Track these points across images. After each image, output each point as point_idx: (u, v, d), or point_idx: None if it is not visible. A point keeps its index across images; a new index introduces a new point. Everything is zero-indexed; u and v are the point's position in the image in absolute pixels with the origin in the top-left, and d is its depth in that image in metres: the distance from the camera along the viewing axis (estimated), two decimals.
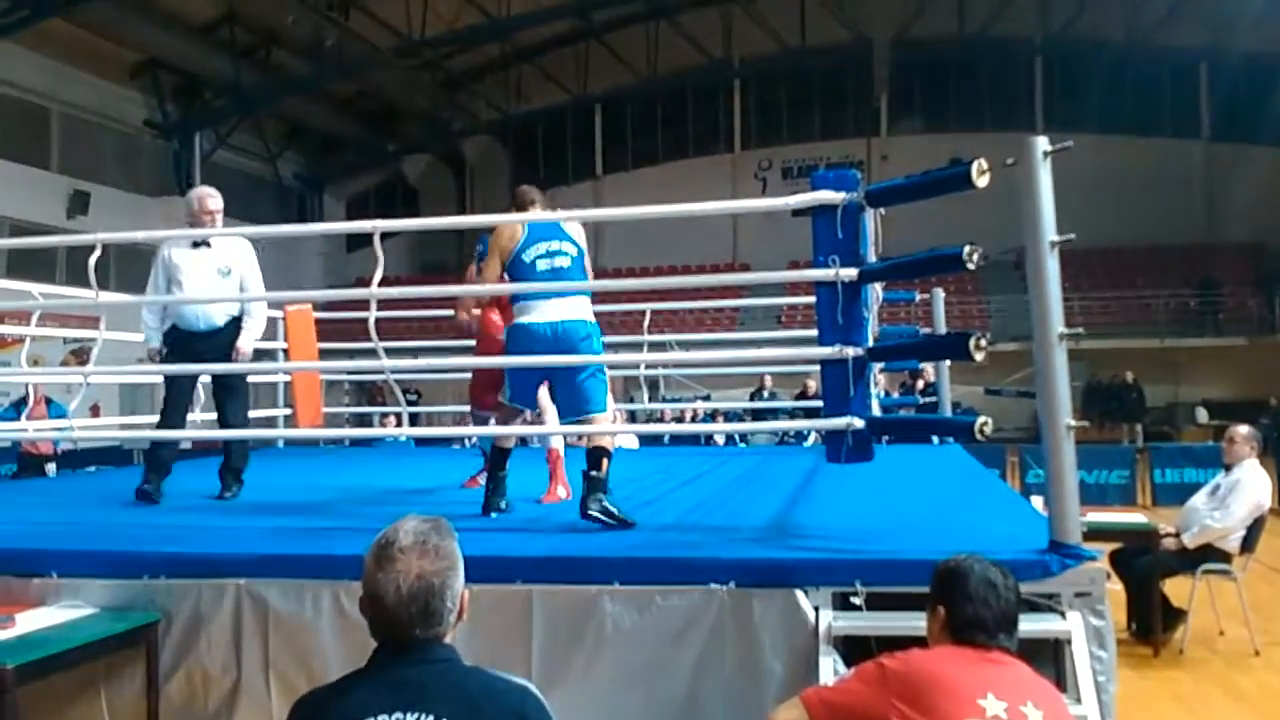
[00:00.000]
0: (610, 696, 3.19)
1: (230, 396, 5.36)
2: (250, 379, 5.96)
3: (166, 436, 5.26)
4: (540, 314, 4.28)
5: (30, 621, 3.33)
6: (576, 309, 4.29)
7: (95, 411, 15.89)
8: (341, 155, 28.86)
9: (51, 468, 10.74)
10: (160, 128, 22.80)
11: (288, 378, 7.82)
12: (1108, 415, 20.26)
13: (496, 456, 4.53)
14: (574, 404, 4.33)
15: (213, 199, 5.19)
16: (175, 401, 5.28)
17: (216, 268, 5.20)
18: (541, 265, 4.30)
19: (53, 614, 3.44)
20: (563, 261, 4.32)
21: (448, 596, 1.89)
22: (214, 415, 5.51)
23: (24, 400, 9.84)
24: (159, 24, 20.44)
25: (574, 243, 4.39)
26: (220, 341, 5.19)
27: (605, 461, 4.08)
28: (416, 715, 1.79)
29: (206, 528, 4.43)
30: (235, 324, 5.26)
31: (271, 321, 7.44)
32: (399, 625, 1.87)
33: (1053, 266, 3.10)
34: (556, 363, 4.25)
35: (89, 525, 4.58)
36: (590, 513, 3.97)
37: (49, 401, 9.99)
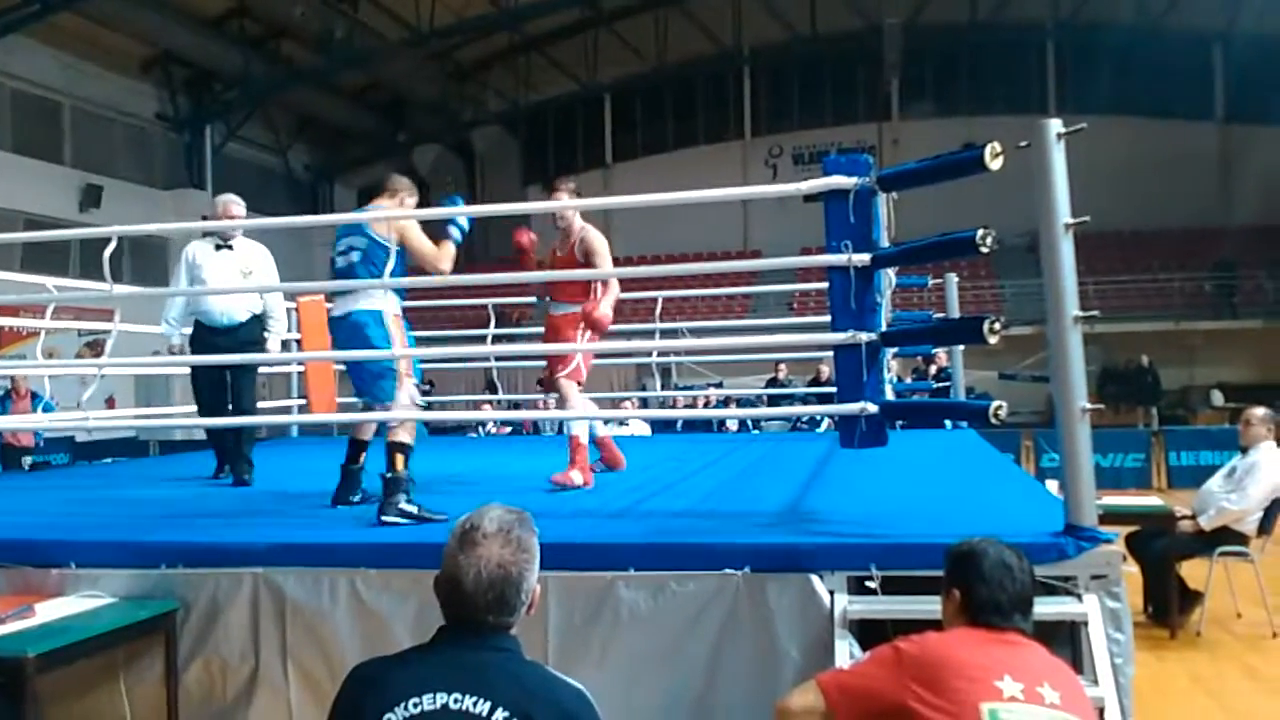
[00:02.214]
0: (626, 681, 3.20)
1: (250, 386, 5.75)
2: (263, 370, 6.12)
3: (205, 424, 5.69)
4: (335, 307, 4.47)
5: (50, 611, 3.35)
6: (358, 301, 4.33)
7: (111, 403, 15.97)
8: (352, 146, 28.90)
9: (27, 460, 10.82)
10: (172, 121, 22.86)
11: (301, 368, 7.85)
12: (1122, 399, 20.18)
13: (352, 449, 4.56)
14: (363, 395, 4.47)
15: (237, 206, 5.71)
16: (213, 391, 5.70)
17: (239, 269, 5.58)
18: (339, 262, 4.43)
19: (72, 603, 3.47)
20: (351, 257, 4.38)
21: (523, 589, 1.96)
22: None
23: (8, 394, 9.98)
24: (169, 17, 20.47)
25: (366, 237, 4.35)
26: (239, 336, 5.51)
27: (400, 458, 4.06)
28: (473, 699, 1.83)
29: (223, 517, 4.45)
30: (255, 320, 5.62)
31: (285, 312, 7.47)
32: (472, 610, 1.92)
33: (1067, 249, 3.09)
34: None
35: (107, 516, 4.60)
36: (385, 519, 3.90)
37: (34, 395, 10.13)
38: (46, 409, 10.57)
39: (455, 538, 1.97)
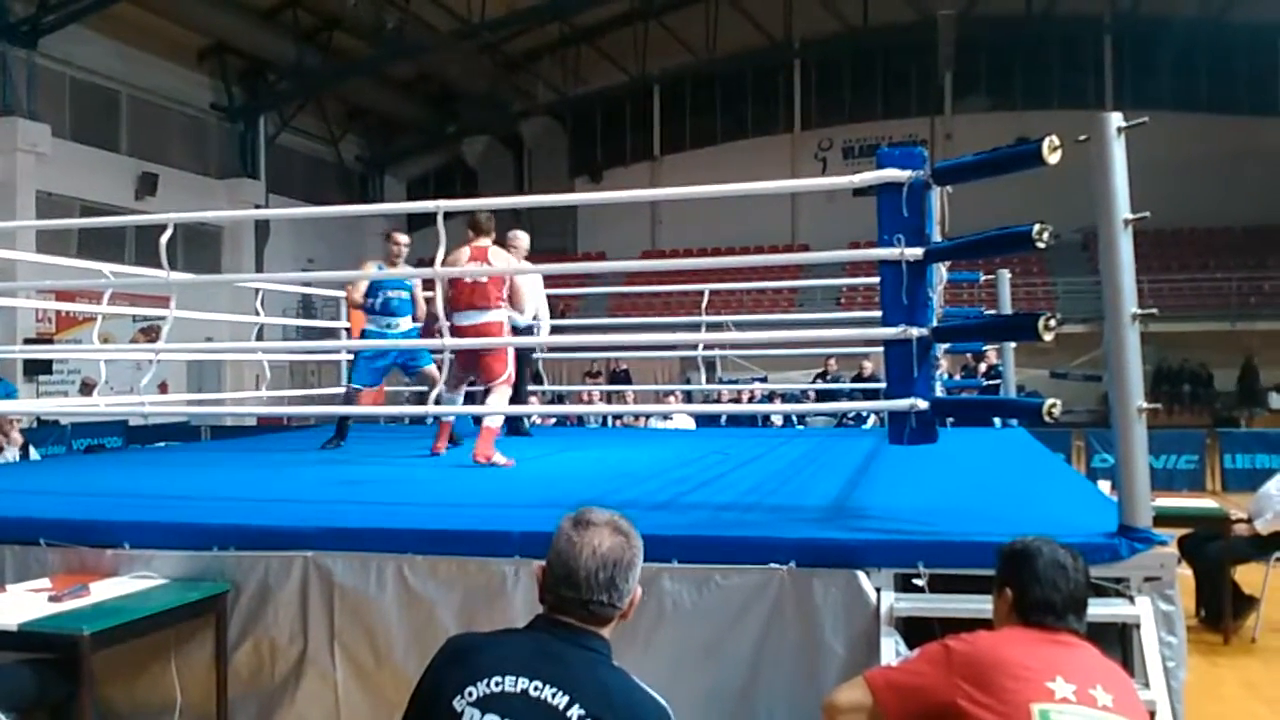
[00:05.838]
0: (669, 674, 3.18)
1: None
2: (313, 357, 6.33)
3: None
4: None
5: (104, 590, 3.42)
6: None
7: (164, 388, 16.24)
8: (402, 137, 29.12)
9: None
10: (226, 111, 23.17)
11: (350, 356, 7.93)
12: (1175, 399, 19.85)
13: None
14: None
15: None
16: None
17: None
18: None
19: (126, 584, 3.53)
20: None
21: (630, 577, 1.98)
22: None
23: None
24: (224, 8, 20.76)
25: None
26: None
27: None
28: (552, 690, 1.83)
29: (275, 501, 4.51)
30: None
31: (334, 301, 7.63)
32: (583, 589, 1.92)
33: (1126, 245, 3.03)
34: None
35: (160, 498, 4.68)
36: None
37: None
38: (9, 395, 10.88)
39: (569, 523, 2.00)
